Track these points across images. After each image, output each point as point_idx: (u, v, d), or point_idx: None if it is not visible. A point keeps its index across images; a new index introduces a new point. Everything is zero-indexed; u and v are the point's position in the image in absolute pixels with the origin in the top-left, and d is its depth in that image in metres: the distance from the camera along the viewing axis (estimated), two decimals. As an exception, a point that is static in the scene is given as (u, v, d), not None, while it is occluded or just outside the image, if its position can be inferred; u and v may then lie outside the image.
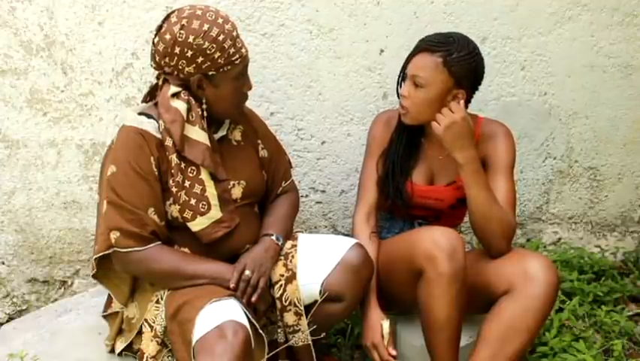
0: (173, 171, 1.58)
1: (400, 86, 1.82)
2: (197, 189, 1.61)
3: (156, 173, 1.58)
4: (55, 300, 2.23)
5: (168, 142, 1.57)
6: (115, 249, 1.55)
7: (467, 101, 1.80)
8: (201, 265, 1.62)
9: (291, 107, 2.22)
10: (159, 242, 1.59)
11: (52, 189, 2.15)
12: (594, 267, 2.46)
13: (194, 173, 1.61)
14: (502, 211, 1.72)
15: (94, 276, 1.65)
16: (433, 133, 1.86)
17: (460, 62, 1.70)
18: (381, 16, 2.17)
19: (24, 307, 2.25)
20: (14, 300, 2.24)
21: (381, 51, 2.21)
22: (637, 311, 2.35)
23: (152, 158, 1.57)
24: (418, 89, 1.74)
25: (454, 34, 1.76)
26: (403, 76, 1.82)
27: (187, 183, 1.60)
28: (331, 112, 2.25)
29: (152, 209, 1.57)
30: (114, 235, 1.54)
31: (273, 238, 1.71)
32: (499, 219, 1.71)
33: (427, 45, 1.74)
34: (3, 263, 2.20)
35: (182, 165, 1.60)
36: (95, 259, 1.59)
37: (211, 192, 1.62)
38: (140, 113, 1.62)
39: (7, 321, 2.18)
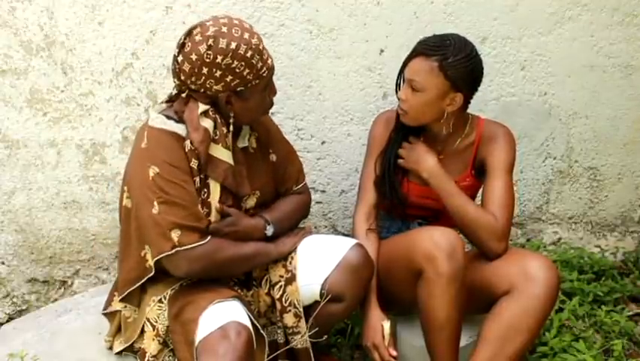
0: (197, 192, 1.58)
1: (399, 88, 1.82)
2: (204, 194, 1.60)
3: (190, 171, 1.56)
4: (55, 300, 2.23)
5: (193, 164, 1.56)
6: (178, 249, 1.50)
7: (466, 102, 1.80)
8: (249, 246, 1.64)
9: (291, 107, 2.22)
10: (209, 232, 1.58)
11: (52, 189, 2.15)
12: (594, 267, 2.46)
13: (206, 195, 1.60)
14: (483, 215, 1.72)
15: (122, 300, 1.63)
16: (431, 133, 1.87)
17: (456, 65, 1.69)
18: (381, 16, 2.17)
19: (24, 307, 2.25)
20: (14, 300, 2.24)
21: (381, 51, 2.21)
22: (637, 311, 2.35)
23: (186, 158, 1.55)
24: (415, 92, 1.74)
25: (451, 36, 1.74)
26: (401, 78, 1.82)
27: (197, 186, 1.59)
28: (331, 112, 2.25)
29: (199, 204, 1.56)
30: (176, 234, 1.50)
31: (264, 219, 1.70)
32: (481, 222, 1.71)
33: (423, 49, 1.73)
34: (3, 263, 2.21)
35: (202, 188, 1.59)
36: (154, 261, 1.53)
37: (214, 197, 1.61)
38: (165, 117, 1.58)
39: (7, 321, 2.18)
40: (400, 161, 1.84)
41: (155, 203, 1.50)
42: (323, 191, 2.34)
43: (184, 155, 1.55)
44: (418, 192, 1.89)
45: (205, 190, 1.60)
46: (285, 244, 1.72)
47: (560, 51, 2.34)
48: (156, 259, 1.52)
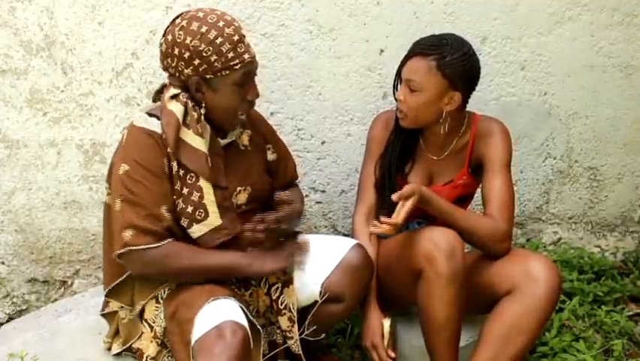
0: (173, 179, 1.57)
1: (397, 89, 1.82)
2: (195, 196, 1.58)
3: (167, 172, 1.56)
4: (55, 300, 2.23)
5: (175, 165, 1.56)
6: (129, 248, 1.51)
7: (464, 102, 1.80)
8: (215, 257, 1.59)
9: (291, 107, 2.22)
10: (172, 238, 1.56)
11: (52, 189, 2.15)
12: (594, 267, 2.46)
13: (193, 180, 1.59)
14: (483, 222, 1.72)
15: (106, 295, 1.65)
16: (430, 134, 1.87)
17: (453, 64, 1.69)
18: (381, 16, 2.17)
19: (24, 307, 2.25)
20: (14, 300, 2.24)
21: (381, 51, 2.21)
22: (637, 311, 2.34)
23: (164, 158, 1.55)
24: (413, 93, 1.74)
25: (448, 35, 1.75)
26: (398, 79, 1.82)
27: (185, 190, 1.57)
28: (331, 112, 2.25)
29: (165, 207, 1.55)
30: (128, 233, 1.51)
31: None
32: (482, 230, 1.71)
33: (420, 49, 1.73)
34: (3, 263, 2.21)
35: (181, 173, 1.57)
36: (116, 256, 1.54)
37: (210, 199, 1.59)
38: (149, 114, 1.59)
39: (7, 321, 2.18)
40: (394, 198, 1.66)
41: (118, 200, 1.53)
42: (323, 191, 2.34)
43: (159, 156, 1.55)
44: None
45: (197, 193, 1.58)
46: (265, 265, 1.62)
47: (560, 51, 2.34)
48: (114, 255, 1.54)
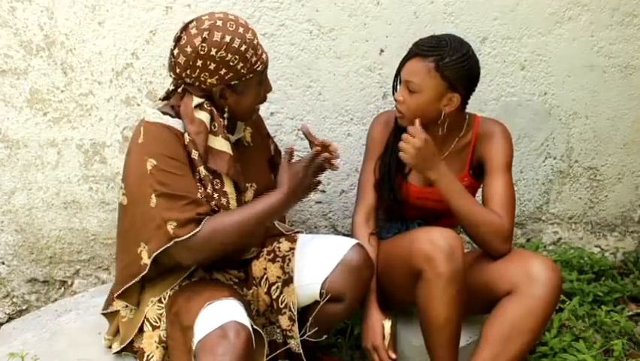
0: (204, 182, 1.57)
1: (396, 90, 1.82)
2: (223, 201, 1.59)
3: (189, 164, 1.56)
4: (55, 300, 2.23)
5: (194, 155, 1.55)
6: (175, 240, 1.48)
7: (464, 103, 1.80)
8: (254, 207, 1.56)
9: (291, 107, 2.22)
10: (206, 218, 1.52)
11: (52, 189, 2.15)
12: (594, 267, 2.46)
13: (219, 185, 1.60)
14: (488, 214, 1.71)
15: (118, 296, 1.62)
16: (429, 134, 1.86)
17: (452, 65, 1.69)
18: (381, 16, 2.17)
19: (24, 307, 2.25)
20: (14, 300, 2.24)
21: (381, 51, 2.21)
22: (637, 311, 2.35)
23: (183, 152, 1.55)
24: (412, 94, 1.74)
25: (447, 36, 1.74)
26: (398, 80, 1.81)
27: (215, 195, 1.58)
28: (331, 112, 2.25)
29: (200, 191, 1.54)
30: (171, 226, 1.48)
31: None
32: (487, 222, 1.70)
33: (419, 50, 1.73)
34: (3, 263, 2.21)
35: (210, 177, 1.58)
36: (152, 257, 1.51)
37: (233, 204, 1.61)
38: (162, 112, 1.58)
39: (7, 321, 2.18)
40: (404, 157, 1.73)
41: (153, 196, 1.49)
42: (323, 191, 2.34)
43: (181, 147, 1.55)
44: (418, 193, 1.89)
45: (217, 180, 1.60)
46: (296, 195, 1.60)
47: (560, 51, 2.34)
48: (157, 253, 1.50)
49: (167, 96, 1.64)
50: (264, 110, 2.15)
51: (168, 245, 1.49)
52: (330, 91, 2.23)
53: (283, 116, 2.22)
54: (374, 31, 2.19)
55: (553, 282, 1.63)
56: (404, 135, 1.71)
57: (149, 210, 1.50)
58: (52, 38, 2.02)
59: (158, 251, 1.50)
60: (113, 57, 2.06)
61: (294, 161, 1.62)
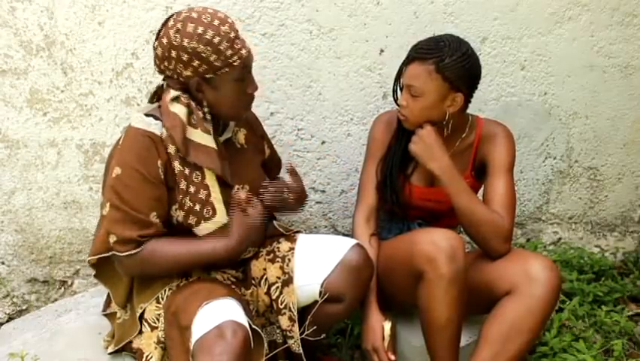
0: (177, 178, 1.57)
1: (396, 94, 1.82)
2: (203, 194, 1.59)
3: (162, 176, 1.55)
4: (55, 300, 2.23)
5: (171, 149, 1.55)
6: (113, 252, 1.54)
7: (467, 102, 1.80)
8: (198, 246, 1.58)
9: (291, 107, 2.22)
10: (151, 240, 1.55)
11: (52, 189, 2.15)
12: (594, 267, 2.46)
13: (199, 178, 1.59)
14: (490, 214, 1.71)
15: (95, 276, 1.66)
16: None
17: (452, 66, 1.69)
18: (381, 16, 2.17)
19: (24, 307, 2.25)
20: (14, 300, 2.24)
21: (381, 51, 2.21)
22: (637, 311, 2.35)
23: (159, 161, 1.55)
24: (415, 98, 1.74)
25: (445, 37, 1.74)
26: (398, 85, 1.81)
27: (192, 189, 1.58)
28: (331, 112, 2.25)
29: (155, 213, 1.55)
30: (112, 239, 1.53)
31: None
32: (488, 221, 1.70)
33: (418, 54, 1.72)
34: (3, 263, 2.21)
35: (187, 171, 1.58)
36: (91, 260, 1.59)
37: (216, 196, 1.61)
38: (146, 115, 1.59)
39: (7, 321, 2.18)
40: (412, 148, 1.75)
41: (108, 205, 1.54)
42: (323, 191, 2.34)
43: (155, 159, 1.54)
44: (420, 194, 1.89)
45: (205, 191, 1.59)
46: (242, 243, 1.60)
47: (560, 51, 2.35)
48: (97, 257, 1.56)
49: (159, 97, 1.64)
50: (264, 110, 2.15)
51: (107, 255, 1.55)
52: (330, 91, 2.23)
53: (283, 116, 2.22)
54: (374, 31, 2.19)
55: (552, 282, 1.63)
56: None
57: (103, 216, 1.57)
58: (52, 38, 2.02)
59: (98, 256, 1.57)
60: (113, 57, 2.06)
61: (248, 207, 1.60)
